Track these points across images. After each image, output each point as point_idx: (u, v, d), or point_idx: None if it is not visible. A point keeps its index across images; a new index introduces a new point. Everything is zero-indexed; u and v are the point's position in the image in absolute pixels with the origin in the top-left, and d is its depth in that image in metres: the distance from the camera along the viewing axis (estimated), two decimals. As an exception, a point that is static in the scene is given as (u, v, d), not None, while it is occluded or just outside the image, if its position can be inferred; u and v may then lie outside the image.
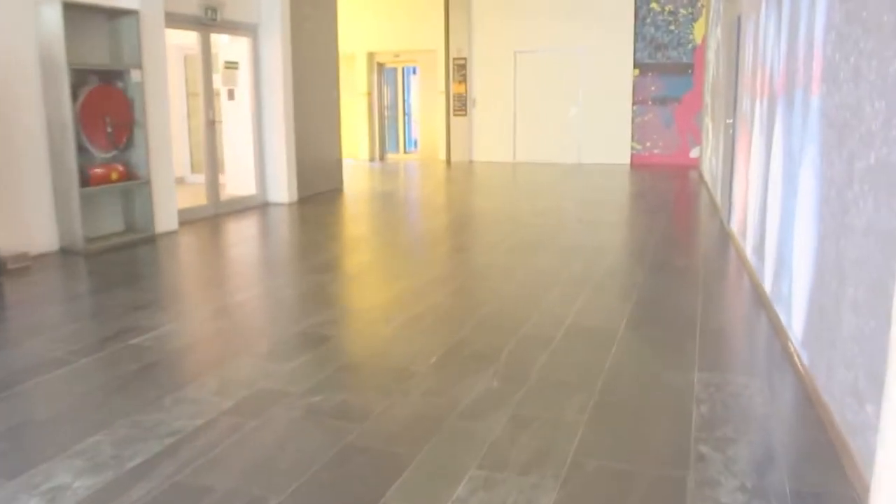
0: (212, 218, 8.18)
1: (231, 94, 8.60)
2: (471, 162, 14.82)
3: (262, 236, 7.54)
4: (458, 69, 14.72)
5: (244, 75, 8.71)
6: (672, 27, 13.30)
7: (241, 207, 8.76)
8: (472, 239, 7.10)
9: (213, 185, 8.27)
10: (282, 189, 9.12)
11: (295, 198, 9.30)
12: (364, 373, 3.56)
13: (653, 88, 13.57)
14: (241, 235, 7.53)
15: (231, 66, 8.52)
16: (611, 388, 3.26)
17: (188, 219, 7.89)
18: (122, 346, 3.88)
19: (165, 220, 7.18)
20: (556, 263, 5.80)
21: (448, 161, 15.04)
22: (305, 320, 4.33)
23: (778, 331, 3.93)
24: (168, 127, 7.16)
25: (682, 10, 13.19)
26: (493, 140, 14.81)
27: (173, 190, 7.27)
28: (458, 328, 4.15)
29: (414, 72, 16.41)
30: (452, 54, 14.72)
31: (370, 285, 5.43)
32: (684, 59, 13.32)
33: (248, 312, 4.62)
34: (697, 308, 4.45)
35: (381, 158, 15.94)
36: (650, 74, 13.53)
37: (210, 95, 8.05)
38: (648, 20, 13.38)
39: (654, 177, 11.84)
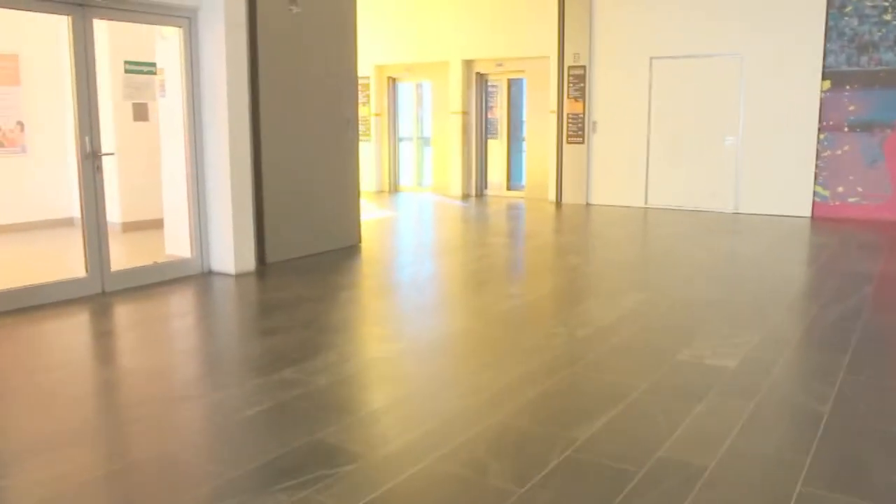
0: (93, 298, 5.36)
1: (141, 113, 5.76)
2: (587, 205, 11.14)
3: (129, 348, 4.56)
4: (575, 81, 11.11)
5: (173, 85, 5.86)
6: (887, 16, 8.90)
7: (158, 280, 5.88)
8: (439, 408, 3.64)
9: (97, 251, 5.45)
10: (226, 253, 6.14)
11: (251, 266, 6.27)
12: None
13: (851, 109, 9.21)
14: (94, 342, 4.60)
15: (140, 69, 5.66)
16: None
17: (44, 301, 5.13)
18: None
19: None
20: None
21: (558, 203, 11.45)
22: None
23: None
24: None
25: (905, -8, 8.79)
26: (617, 177, 11.03)
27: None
28: None
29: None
30: (567, 62, 11.15)
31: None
32: (905, 66, 8.88)
33: None
34: None
35: (479, 196, 12.66)
36: (848, 88, 9.19)
37: (91, 114, 5.23)
38: (849, 8, 9.07)
39: (847, 241, 7.61)
